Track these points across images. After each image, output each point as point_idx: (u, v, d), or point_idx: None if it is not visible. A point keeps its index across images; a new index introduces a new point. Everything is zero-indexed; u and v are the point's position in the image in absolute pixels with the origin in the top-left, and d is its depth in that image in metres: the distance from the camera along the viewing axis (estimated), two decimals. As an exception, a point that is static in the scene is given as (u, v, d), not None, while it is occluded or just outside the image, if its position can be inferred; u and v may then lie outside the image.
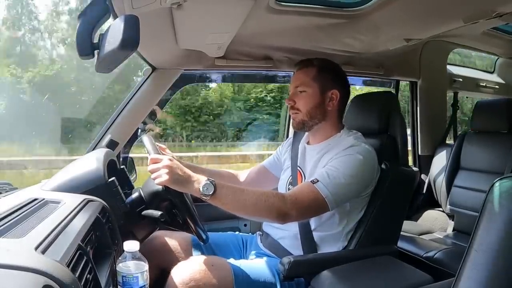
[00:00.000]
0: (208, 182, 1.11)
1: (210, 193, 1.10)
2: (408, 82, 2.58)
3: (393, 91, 2.52)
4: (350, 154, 1.27)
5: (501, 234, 0.68)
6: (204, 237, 1.27)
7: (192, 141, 11.34)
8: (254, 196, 1.16)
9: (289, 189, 1.48)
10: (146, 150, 1.27)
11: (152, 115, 1.87)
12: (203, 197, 1.11)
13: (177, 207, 1.23)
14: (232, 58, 1.86)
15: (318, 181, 1.22)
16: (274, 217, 1.19)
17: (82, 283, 0.66)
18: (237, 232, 1.64)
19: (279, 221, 1.20)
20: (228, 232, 1.61)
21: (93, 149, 1.65)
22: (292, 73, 1.48)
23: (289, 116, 2.21)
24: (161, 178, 1.09)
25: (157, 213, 1.20)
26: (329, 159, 1.30)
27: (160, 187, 1.19)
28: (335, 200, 1.22)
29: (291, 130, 2.19)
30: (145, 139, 1.31)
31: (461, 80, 2.67)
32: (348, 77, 1.49)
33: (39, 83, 9.44)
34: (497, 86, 2.86)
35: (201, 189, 1.10)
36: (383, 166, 1.39)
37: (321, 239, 1.36)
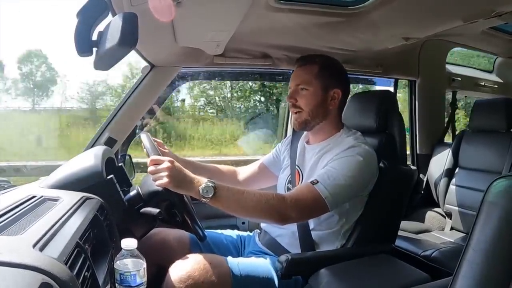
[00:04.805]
0: (209, 184, 1.10)
1: (210, 196, 1.10)
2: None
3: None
4: (350, 155, 1.27)
5: (497, 233, 0.68)
6: (202, 235, 1.27)
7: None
8: (254, 198, 1.16)
9: (288, 188, 1.48)
10: (144, 148, 1.27)
11: (150, 112, 1.86)
12: (203, 199, 1.11)
13: (176, 206, 1.23)
14: (230, 56, 1.86)
15: (318, 182, 1.22)
16: (275, 219, 1.19)
17: (80, 281, 0.66)
18: (235, 230, 1.64)
19: (280, 222, 1.21)
20: (226, 230, 1.61)
21: (92, 147, 1.65)
22: (291, 71, 1.47)
23: (288, 114, 2.22)
24: (161, 180, 1.08)
25: (155, 210, 1.20)
26: (329, 160, 1.30)
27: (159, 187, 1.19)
28: (335, 201, 1.22)
29: (289, 128, 2.19)
30: (144, 137, 1.31)
31: (460, 79, 2.67)
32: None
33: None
34: (496, 86, 2.86)
35: (201, 192, 1.10)
36: (381, 164, 1.38)
37: (319, 238, 1.36)
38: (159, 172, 1.09)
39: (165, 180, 1.08)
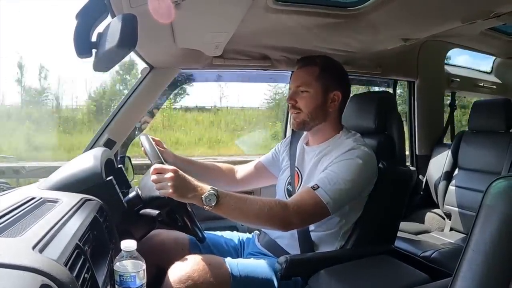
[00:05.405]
0: (211, 192, 1.10)
1: (213, 204, 1.10)
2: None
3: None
4: (350, 158, 1.27)
5: (497, 234, 0.68)
6: (201, 236, 1.27)
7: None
8: (256, 205, 1.16)
9: (287, 189, 1.48)
10: (144, 151, 1.27)
11: (149, 114, 1.86)
12: (206, 207, 1.11)
13: (176, 210, 1.23)
14: (229, 57, 1.86)
15: (318, 187, 1.22)
16: (277, 226, 1.20)
17: (80, 282, 0.66)
18: (234, 232, 1.64)
19: (282, 229, 1.22)
20: (226, 232, 1.61)
21: (91, 148, 1.65)
22: (290, 73, 1.47)
23: (287, 114, 2.22)
24: (165, 190, 1.08)
25: (154, 212, 1.20)
26: (329, 163, 1.30)
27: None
28: (336, 205, 1.22)
29: (289, 129, 2.19)
30: (143, 139, 1.30)
31: (458, 80, 2.68)
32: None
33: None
34: (494, 86, 2.87)
35: (204, 200, 1.10)
36: (380, 165, 1.38)
37: (318, 239, 1.36)
38: (162, 182, 1.09)
39: (169, 190, 1.08)
